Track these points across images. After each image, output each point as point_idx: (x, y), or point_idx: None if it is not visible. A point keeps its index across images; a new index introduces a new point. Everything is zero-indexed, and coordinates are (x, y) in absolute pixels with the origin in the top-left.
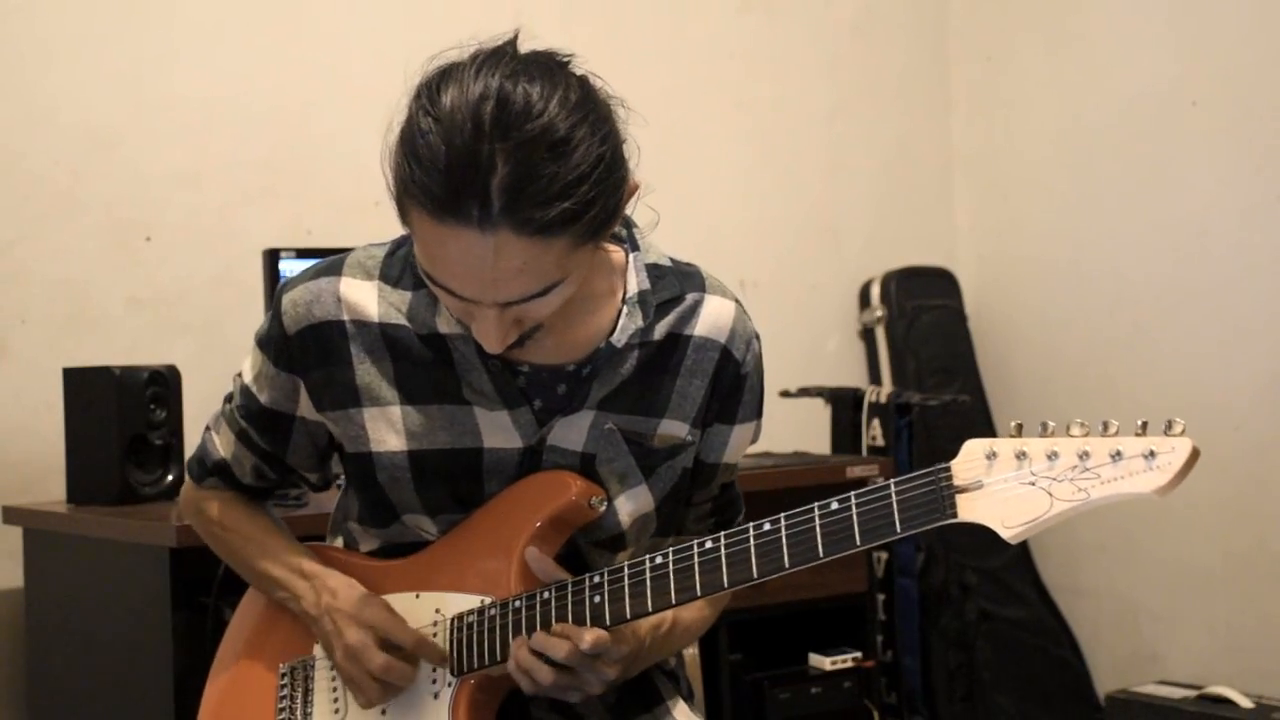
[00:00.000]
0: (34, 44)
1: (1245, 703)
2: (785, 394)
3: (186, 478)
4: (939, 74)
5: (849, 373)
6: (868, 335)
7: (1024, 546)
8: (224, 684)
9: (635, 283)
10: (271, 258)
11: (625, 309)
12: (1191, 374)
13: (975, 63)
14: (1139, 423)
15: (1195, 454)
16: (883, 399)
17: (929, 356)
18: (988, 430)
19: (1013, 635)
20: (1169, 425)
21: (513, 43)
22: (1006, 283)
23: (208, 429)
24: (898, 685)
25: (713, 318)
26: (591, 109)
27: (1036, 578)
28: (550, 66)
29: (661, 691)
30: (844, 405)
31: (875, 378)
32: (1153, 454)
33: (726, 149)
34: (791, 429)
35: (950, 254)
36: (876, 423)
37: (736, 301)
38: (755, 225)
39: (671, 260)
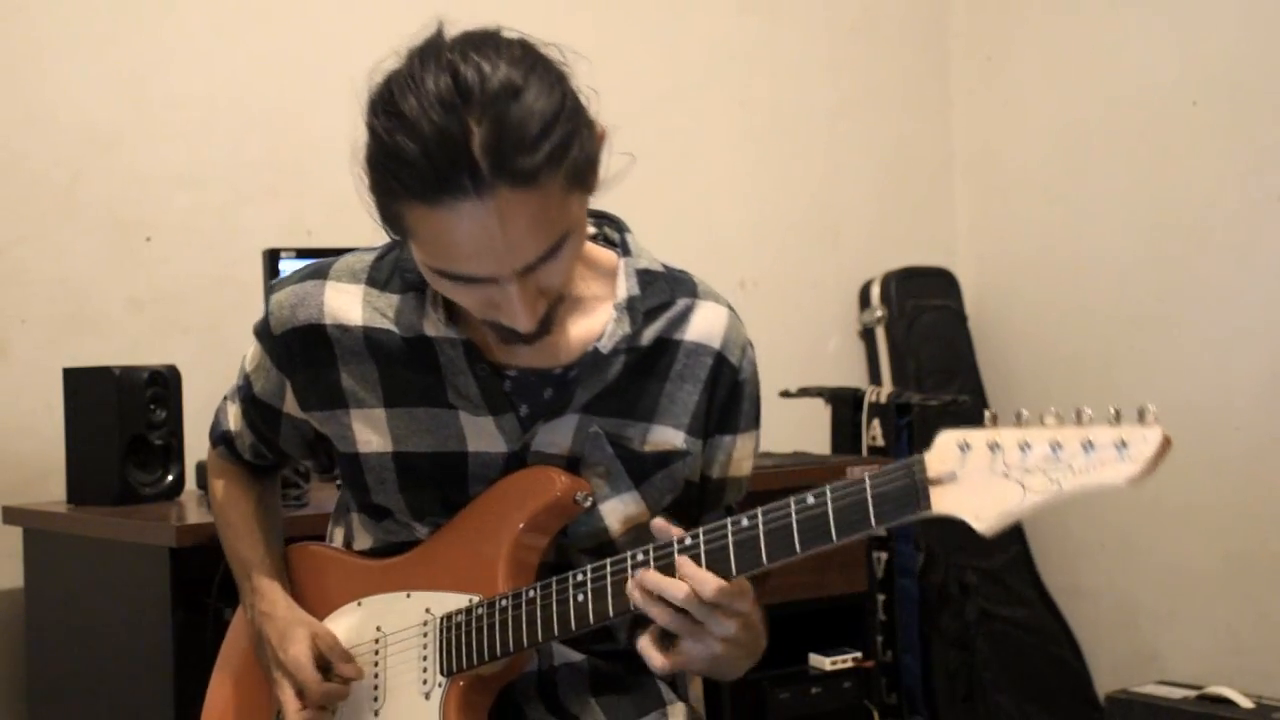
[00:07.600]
0: (34, 44)
1: (1245, 703)
2: (785, 394)
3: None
4: (939, 74)
5: (849, 373)
6: (868, 335)
7: (1024, 546)
8: (226, 682)
9: (625, 288)
10: (271, 258)
11: (614, 315)
12: (1191, 374)
13: (975, 63)
14: (1112, 411)
15: (1167, 443)
16: (883, 399)
17: (929, 356)
18: None
19: (1013, 635)
20: (1141, 414)
21: (439, 33)
22: (1006, 283)
23: (225, 398)
24: (898, 685)
25: (705, 323)
26: (536, 59)
27: (1036, 578)
28: (482, 39)
29: (660, 692)
30: (844, 405)
31: (875, 378)
32: (1124, 444)
33: (726, 149)
34: (791, 429)
35: (950, 254)
36: (876, 423)
37: (729, 308)
38: (755, 225)
39: (664, 266)
